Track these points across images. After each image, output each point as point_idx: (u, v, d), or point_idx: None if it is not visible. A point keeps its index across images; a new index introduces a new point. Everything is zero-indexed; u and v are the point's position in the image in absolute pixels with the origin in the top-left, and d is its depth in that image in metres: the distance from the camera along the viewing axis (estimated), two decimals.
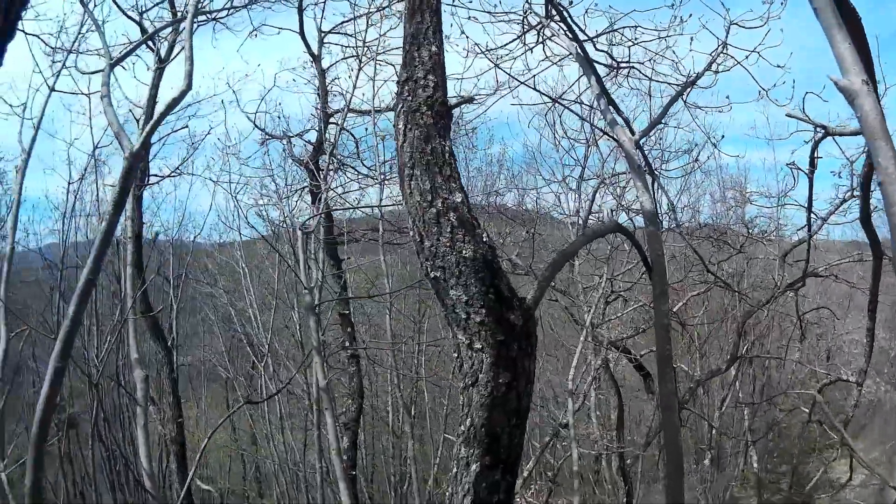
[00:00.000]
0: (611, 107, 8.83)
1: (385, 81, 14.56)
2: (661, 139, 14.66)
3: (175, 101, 5.53)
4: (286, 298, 16.90)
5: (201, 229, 18.70)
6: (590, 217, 14.94)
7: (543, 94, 12.23)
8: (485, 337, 4.52)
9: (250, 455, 21.99)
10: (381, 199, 14.44)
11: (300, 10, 12.76)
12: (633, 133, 8.74)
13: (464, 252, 4.64)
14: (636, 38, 11.03)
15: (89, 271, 4.79)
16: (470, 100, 6.57)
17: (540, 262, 13.49)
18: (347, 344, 13.06)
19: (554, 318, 20.14)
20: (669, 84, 11.60)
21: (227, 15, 12.39)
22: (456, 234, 4.69)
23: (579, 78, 10.46)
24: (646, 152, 10.40)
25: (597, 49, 9.78)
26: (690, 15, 10.75)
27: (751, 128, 19.43)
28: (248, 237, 17.83)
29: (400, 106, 5.37)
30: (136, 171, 4.88)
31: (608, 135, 11.51)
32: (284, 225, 14.38)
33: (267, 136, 14.74)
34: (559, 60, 10.02)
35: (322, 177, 12.24)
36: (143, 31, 11.50)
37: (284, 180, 15.78)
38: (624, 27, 10.80)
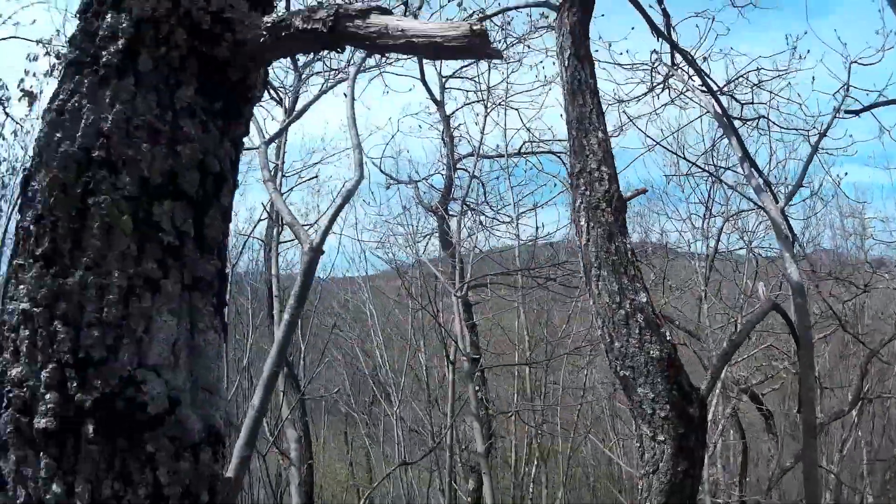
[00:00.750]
0: (754, 170, 8.83)
1: (517, 131, 14.89)
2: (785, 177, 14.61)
3: (350, 193, 5.82)
4: (412, 339, 17.19)
5: (329, 271, 19.06)
6: (717, 255, 14.98)
7: (669, 149, 12.40)
8: (667, 430, 4.80)
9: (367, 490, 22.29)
10: (518, 244, 14.59)
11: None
12: (776, 199, 8.74)
13: (651, 352, 4.89)
14: (759, 81, 11.10)
15: (274, 364, 5.06)
16: (643, 191, 6.72)
17: (671, 301, 13.56)
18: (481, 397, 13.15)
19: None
20: (797, 131, 11.67)
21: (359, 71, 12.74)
22: (644, 335, 4.92)
23: (719, 139, 10.57)
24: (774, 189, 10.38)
25: (722, 92, 9.85)
26: (808, 51, 10.83)
27: (869, 157, 19.07)
28: (372, 273, 18.31)
29: (579, 201, 5.58)
30: (317, 264, 5.12)
31: (753, 201, 11.55)
32: (416, 272, 14.75)
33: (393, 181, 15.18)
34: (679, 99, 10.24)
35: (455, 225, 12.50)
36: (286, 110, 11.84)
37: (411, 224, 16.13)
38: (748, 71, 10.90)
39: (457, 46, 1.89)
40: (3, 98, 12.98)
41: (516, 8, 10.75)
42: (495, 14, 10.76)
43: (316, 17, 2.01)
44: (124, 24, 2.04)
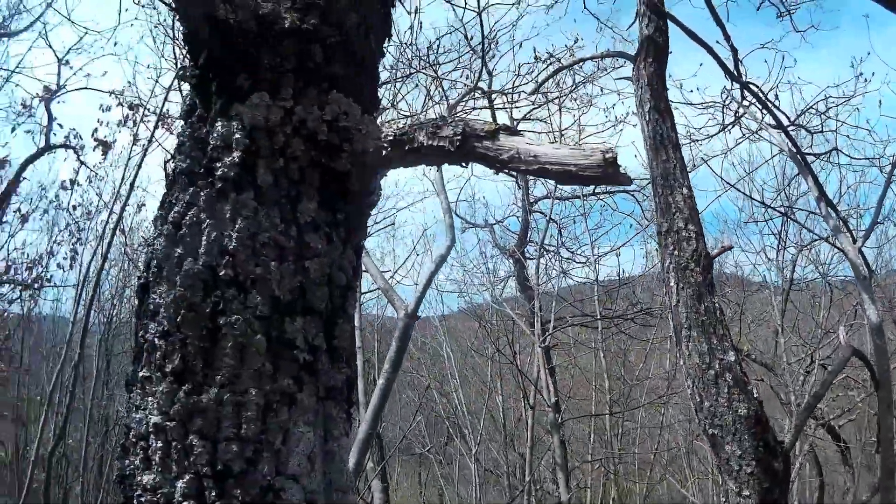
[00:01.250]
0: (830, 209, 8.72)
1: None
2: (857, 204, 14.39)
3: (443, 259, 5.90)
4: (490, 381, 17.18)
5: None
6: (792, 286, 14.81)
7: (742, 192, 12.29)
8: (752, 485, 4.97)
9: None
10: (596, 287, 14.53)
11: (490, 99, 13.08)
12: (853, 238, 8.62)
13: (739, 410, 4.96)
14: (827, 108, 10.97)
15: (369, 427, 5.12)
16: (729, 248, 6.67)
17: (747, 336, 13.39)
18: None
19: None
20: (870, 161, 11.53)
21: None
22: (732, 394, 4.99)
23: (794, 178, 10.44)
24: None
25: (793, 125, 9.76)
26: (873, 73, 10.70)
27: None
28: (448, 313, 18.33)
29: (668, 262, 5.58)
30: (412, 330, 5.19)
31: (830, 243, 11.38)
32: (493, 314, 14.76)
33: (469, 225, 15.27)
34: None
35: (533, 269, 12.50)
36: None
37: (488, 266, 16.19)
38: (816, 101, 10.80)
39: (590, 175, 1.90)
40: (78, 146, 13.47)
41: (591, 58, 10.77)
42: (571, 65, 10.80)
43: (442, 135, 2.03)
44: (238, 135, 2.07)
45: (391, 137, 2.08)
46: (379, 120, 2.47)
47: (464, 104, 9.97)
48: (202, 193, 2.04)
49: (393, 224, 14.84)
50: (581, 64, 11.37)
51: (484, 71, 9.73)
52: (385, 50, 2.68)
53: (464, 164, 2.19)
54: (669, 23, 7.98)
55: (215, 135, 2.09)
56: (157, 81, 13.10)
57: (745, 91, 8.85)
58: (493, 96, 10.22)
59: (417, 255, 22.43)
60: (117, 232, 12.85)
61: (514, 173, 9.88)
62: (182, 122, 2.27)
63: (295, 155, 2.10)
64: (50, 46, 14.45)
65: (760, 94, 8.92)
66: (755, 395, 5.14)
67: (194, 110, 2.20)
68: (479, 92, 10.05)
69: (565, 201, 15.54)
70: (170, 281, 1.98)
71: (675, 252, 5.55)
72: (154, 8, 11.75)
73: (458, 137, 1.98)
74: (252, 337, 1.92)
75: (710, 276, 5.51)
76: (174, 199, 2.10)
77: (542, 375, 10.47)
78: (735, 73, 8.40)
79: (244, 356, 1.92)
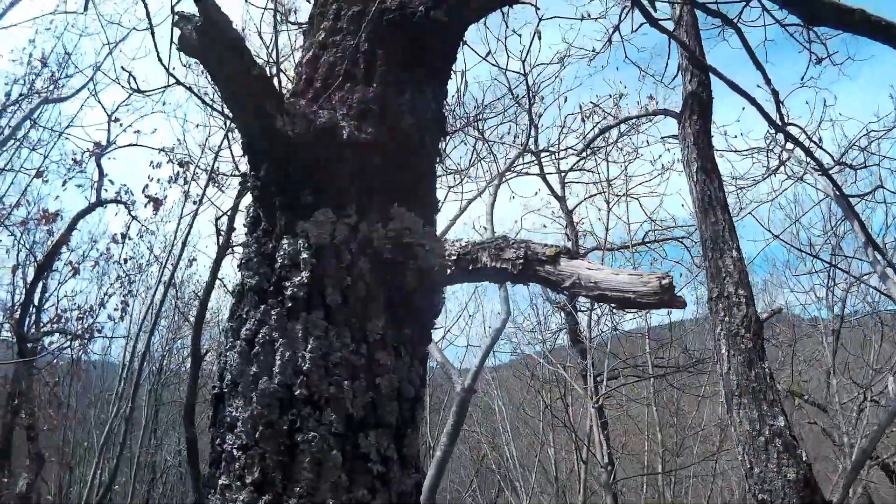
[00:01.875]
0: (878, 254, 8.71)
1: (639, 225, 14.92)
2: None
3: (499, 332, 6.00)
4: (541, 434, 17.15)
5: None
6: (842, 325, 14.71)
7: (787, 244, 12.26)
8: None
9: None
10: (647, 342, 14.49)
11: (539, 161, 13.06)
12: None
13: (788, 475, 5.04)
14: (869, 144, 10.94)
15: (427, 500, 5.18)
16: (779, 311, 6.72)
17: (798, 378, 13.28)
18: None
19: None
20: None
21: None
22: (781, 459, 5.05)
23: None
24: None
25: (837, 163, 9.74)
26: None
27: None
28: (498, 364, 18.33)
29: (718, 328, 5.64)
30: (469, 403, 5.28)
31: (877, 289, 11.31)
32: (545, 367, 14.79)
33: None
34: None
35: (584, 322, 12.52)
36: None
37: (538, 319, 16.23)
38: (859, 137, 10.79)
39: (648, 302, 2.00)
40: (129, 202, 13.82)
41: (636, 117, 10.87)
42: (616, 124, 10.91)
43: (505, 257, 2.14)
44: (305, 255, 2.18)
45: (455, 256, 2.19)
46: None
47: (513, 168, 10.08)
48: (273, 312, 2.16)
49: None
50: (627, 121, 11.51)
51: (532, 129, 9.87)
52: (442, 150, 2.79)
53: (525, 283, 2.29)
54: (711, 75, 8.08)
55: (282, 252, 2.22)
56: (206, 141, 13.45)
57: (788, 138, 8.89)
58: (542, 155, 10.35)
59: (470, 315, 22.66)
60: (168, 286, 13.10)
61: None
62: (247, 236, 2.40)
63: (362, 273, 2.21)
64: (100, 103, 14.83)
65: (802, 140, 8.93)
66: (804, 459, 5.20)
67: (258, 223, 2.34)
68: (529, 153, 10.17)
69: (615, 251, 15.59)
70: (246, 397, 2.11)
71: (726, 318, 5.61)
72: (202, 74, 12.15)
73: (521, 261, 2.09)
74: (328, 452, 2.05)
75: (761, 342, 5.55)
76: (245, 314, 2.22)
77: (595, 433, 10.47)
78: (777, 120, 8.43)
79: (321, 470, 2.04)
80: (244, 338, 2.18)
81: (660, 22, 7.52)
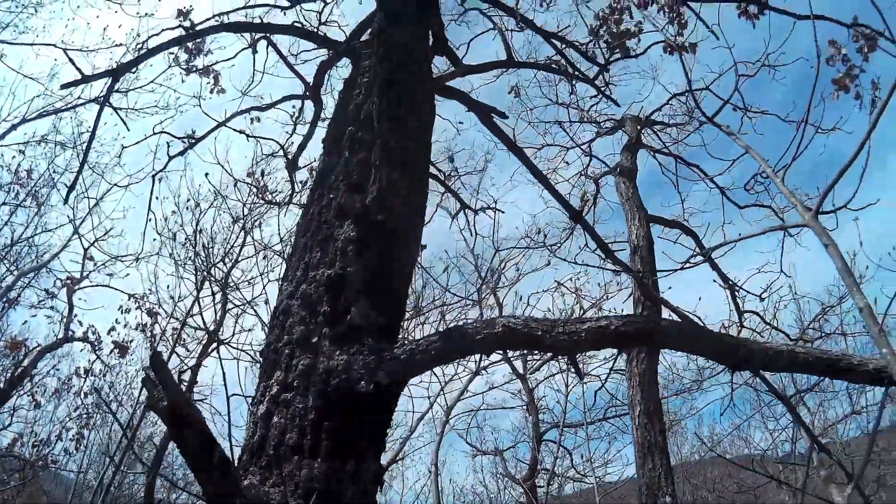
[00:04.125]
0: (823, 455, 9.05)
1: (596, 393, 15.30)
2: None
3: None
4: None
5: None
6: None
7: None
8: None
9: None
10: None
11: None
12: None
13: None
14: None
15: None
16: None
17: None
18: None
19: None
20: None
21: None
22: None
23: None
24: None
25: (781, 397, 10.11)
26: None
27: None
28: None
29: None
30: None
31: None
32: None
33: (477, 451, 15.63)
34: None
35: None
36: None
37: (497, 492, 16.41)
38: (810, 325, 11.24)
39: None
40: (95, 341, 14.25)
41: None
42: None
43: None
44: None
45: None
46: None
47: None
48: None
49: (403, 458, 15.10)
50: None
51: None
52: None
53: None
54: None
55: None
56: (175, 300, 13.95)
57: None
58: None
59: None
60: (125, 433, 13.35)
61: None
62: None
63: None
64: (79, 236, 15.20)
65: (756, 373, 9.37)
66: None
67: None
68: None
69: (574, 428, 15.89)
70: None
71: None
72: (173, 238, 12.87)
73: None
74: None
75: None
76: None
77: None
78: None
79: None
80: None
81: (615, 253, 7.99)
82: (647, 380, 7.93)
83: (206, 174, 15.75)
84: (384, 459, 3.70)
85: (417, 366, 3.59)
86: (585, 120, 13.30)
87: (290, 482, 3.18)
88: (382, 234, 4.32)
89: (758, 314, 10.71)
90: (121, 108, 10.41)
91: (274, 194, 12.06)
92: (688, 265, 8.35)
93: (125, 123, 7.98)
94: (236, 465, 3.43)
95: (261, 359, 4.01)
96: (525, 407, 15.58)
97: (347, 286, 4.03)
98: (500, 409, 15.90)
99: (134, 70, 7.54)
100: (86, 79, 6.88)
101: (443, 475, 15.97)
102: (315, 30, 9.63)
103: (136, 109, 11.24)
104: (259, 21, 8.09)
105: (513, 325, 3.51)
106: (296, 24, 8.05)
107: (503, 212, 14.75)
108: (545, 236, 13.04)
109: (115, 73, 6.97)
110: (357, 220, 4.33)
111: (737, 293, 10.59)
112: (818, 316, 12.94)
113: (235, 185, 12.26)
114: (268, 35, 8.14)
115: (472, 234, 9.25)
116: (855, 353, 4.31)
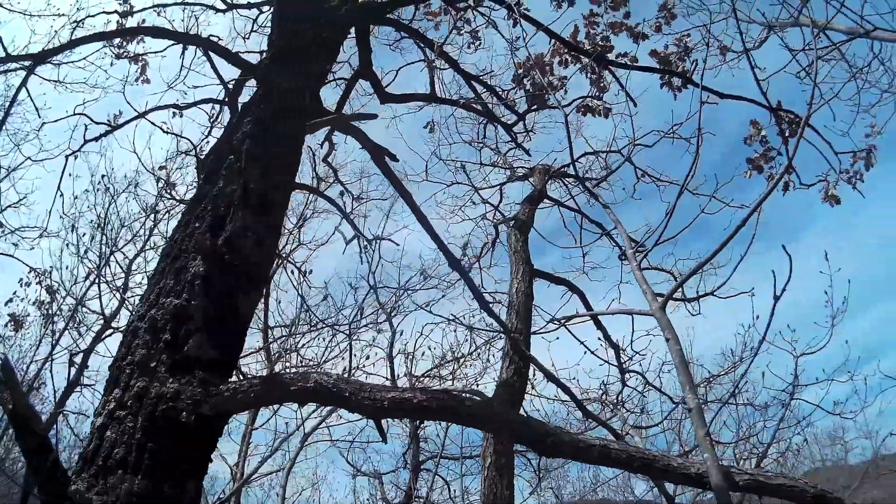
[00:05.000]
0: None
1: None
2: None
3: None
4: None
5: None
6: None
7: None
8: None
9: None
10: None
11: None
12: None
13: None
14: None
15: None
16: None
17: None
18: None
19: None
20: None
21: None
22: None
23: None
24: None
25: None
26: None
27: None
28: None
29: None
30: None
31: None
32: None
33: (357, 472, 15.98)
34: None
35: None
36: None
37: None
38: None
39: None
40: None
41: None
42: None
43: None
44: None
45: None
46: None
47: None
48: None
49: None
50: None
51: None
52: None
53: None
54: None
55: None
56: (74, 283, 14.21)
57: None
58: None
59: None
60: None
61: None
62: None
63: None
64: None
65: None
66: None
67: None
68: None
69: (452, 461, 16.33)
70: None
71: None
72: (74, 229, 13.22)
73: None
74: None
75: None
76: None
77: None
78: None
79: None
80: None
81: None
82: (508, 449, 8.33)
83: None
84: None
85: (239, 404, 4.13)
86: (498, 164, 13.66)
87: (113, 493, 3.70)
88: (230, 274, 4.73)
89: (641, 374, 11.14)
90: (50, 80, 10.84)
91: (187, 191, 12.36)
92: (555, 324, 8.95)
93: (38, 111, 8.27)
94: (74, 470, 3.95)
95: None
96: (409, 434, 15.96)
97: (190, 318, 4.48)
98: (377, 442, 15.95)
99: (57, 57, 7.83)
100: (9, 58, 7.23)
101: (321, 491, 16.26)
102: (246, 37, 10.11)
103: (66, 83, 11.46)
104: (184, 32, 8.52)
105: (324, 382, 4.02)
106: (212, 37, 8.23)
107: (397, 244, 15.43)
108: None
109: (37, 59, 7.33)
110: (206, 256, 4.73)
111: (622, 352, 11.11)
112: (705, 382, 13.40)
113: (153, 174, 12.63)
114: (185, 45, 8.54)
115: (361, 262, 9.65)
116: (675, 455, 4.40)
